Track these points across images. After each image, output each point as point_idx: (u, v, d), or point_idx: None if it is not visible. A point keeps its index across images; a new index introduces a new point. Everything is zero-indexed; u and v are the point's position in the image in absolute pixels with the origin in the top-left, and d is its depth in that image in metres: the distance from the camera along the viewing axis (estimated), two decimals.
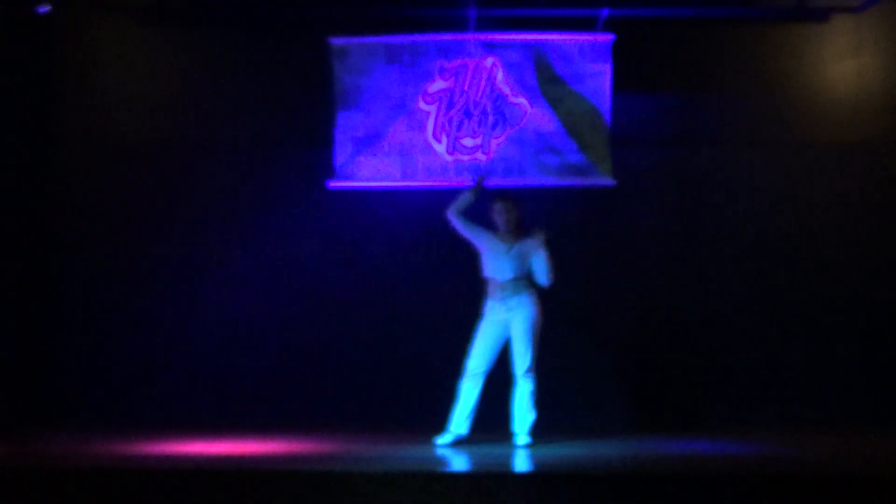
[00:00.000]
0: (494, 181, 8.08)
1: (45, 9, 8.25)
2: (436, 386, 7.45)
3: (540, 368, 7.30)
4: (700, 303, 8.45)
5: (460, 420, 7.25)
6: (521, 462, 6.59)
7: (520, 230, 7.35)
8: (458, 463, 6.61)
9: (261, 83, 8.60)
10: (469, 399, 7.25)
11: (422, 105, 8.38)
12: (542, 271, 7.26)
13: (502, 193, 7.49)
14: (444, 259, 8.31)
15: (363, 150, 8.38)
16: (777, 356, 8.40)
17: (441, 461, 6.69)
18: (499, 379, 7.33)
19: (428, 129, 8.38)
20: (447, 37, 8.36)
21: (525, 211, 7.42)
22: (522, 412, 7.25)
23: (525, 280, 7.28)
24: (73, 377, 8.49)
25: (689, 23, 8.54)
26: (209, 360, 8.45)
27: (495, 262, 7.28)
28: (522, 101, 8.35)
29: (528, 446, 7.11)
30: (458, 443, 7.22)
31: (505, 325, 7.26)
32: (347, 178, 8.39)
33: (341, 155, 8.39)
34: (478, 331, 7.29)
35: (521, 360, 7.23)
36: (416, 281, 7.44)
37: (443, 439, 7.21)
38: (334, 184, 8.40)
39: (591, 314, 8.46)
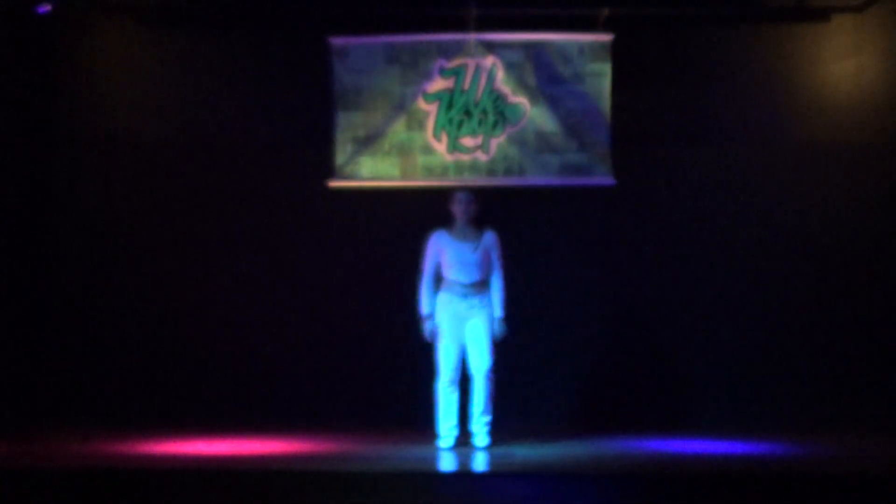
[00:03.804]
0: (494, 181, 8.07)
1: (45, 9, 8.24)
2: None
3: (499, 369, 7.24)
4: (699, 302, 8.44)
5: (449, 426, 7.21)
6: (521, 462, 6.59)
7: (477, 225, 7.28)
8: (458, 463, 6.61)
9: (261, 83, 8.60)
10: (452, 405, 7.22)
11: (422, 105, 8.38)
12: (494, 269, 7.24)
13: (463, 187, 7.48)
14: None
15: (363, 150, 8.39)
16: (777, 356, 8.39)
17: (441, 461, 6.69)
18: (502, 379, 7.33)
19: (428, 128, 8.38)
20: (447, 37, 8.36)
21: (480, 209, 7.36)
22: (479, 412, 7.19)
23: (487, 281, 7.25)
24: (73, 377, 8.50)
25: (689, 23, 8.54)
26: (209, 361, 8.46)
27: (463, 266, 7.19)
28: (522, 100, 8.35)
29: (487, 447, 7.10)
30: (458, 443, 7.21)
31: (462, 322, 7.20)
32: (347, 178, 8.39)
33: (341, 155, 8.39)
34: (440, 332, 7.21)
35: (482, 361, 7.17)
36: (417, 280, 7.43)
37: (444, 443, 7.19)
38: (334, 184, 8.40)
39: (591, 313, 8.46)
